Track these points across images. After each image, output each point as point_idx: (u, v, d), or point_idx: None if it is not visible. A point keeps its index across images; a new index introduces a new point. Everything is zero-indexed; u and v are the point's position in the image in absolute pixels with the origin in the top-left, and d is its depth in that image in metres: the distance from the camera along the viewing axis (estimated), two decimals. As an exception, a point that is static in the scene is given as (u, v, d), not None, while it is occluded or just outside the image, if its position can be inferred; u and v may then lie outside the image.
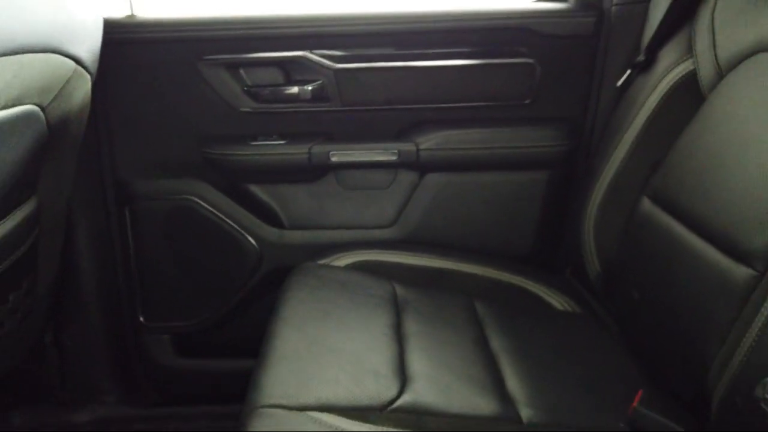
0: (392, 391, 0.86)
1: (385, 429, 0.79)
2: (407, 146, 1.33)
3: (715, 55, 1.04)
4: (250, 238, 1.37)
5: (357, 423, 0.79)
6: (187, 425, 1.45)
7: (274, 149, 1.34)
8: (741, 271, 0.80)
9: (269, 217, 1.39)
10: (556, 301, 1.22)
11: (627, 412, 0.84)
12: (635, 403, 0.84)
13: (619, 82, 1.24)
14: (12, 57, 0.85)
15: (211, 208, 1.36)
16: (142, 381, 1.48)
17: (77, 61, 1.02)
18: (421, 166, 1.36)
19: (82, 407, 1.44)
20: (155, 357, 1.45)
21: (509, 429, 0.83)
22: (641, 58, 1.20)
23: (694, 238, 0.91)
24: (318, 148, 1.33)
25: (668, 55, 1.15)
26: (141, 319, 1.44)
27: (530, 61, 1.30)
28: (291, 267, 1.22)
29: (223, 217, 1.37)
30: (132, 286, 1.42)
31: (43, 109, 0.97)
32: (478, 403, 0.87)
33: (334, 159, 1.34)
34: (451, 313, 1.11)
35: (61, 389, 1.44)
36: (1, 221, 1.01)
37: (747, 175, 0.85)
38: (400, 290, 1.15)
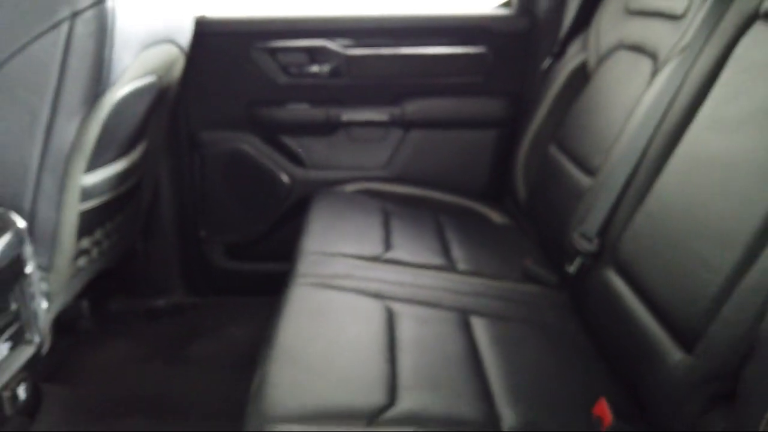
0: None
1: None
2: (396, 110, 1.85)
3: (597, 50, 1.56)
4: (283, 174, 1.89)
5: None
6: (232, 310, 1.96)
7: (301, 111, 1.85)
8: (585, 181, 1.32)
9: (297, 159, 1.90)
10: (496, 217, 1.75)
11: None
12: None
13: (543, 67, 1.76)
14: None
15: (255, 153, 1.88)
16: (201, 278, 2.00)
17: (180, 48, 1.54)
18: (405, 125, 1.87)
19: (159, 296, 1.96)
20: (212, 261, 1.97)
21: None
22: (556, 50, 1.72)
23: (573, 167, 1.43)
24: (332, 111, 1.84)
25: (573, 48, 1.67)
26: (202, 233, 1.96)
27: (484, 50, 1.82)
28: (312, 195, 1.73)
29: (264, 159, 1.88)
30: (197, 209, 1.94)
31: (158, 80, 1.48)
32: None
33: (343, 118, 1.85)
34: (425, 230, 1.60)
35: (145, 283, 1.96)
36: (128, 154, 1.52)
37: (611, 125, 1.33)
38: (388, 206, 1.68)
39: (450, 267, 1.39)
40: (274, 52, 1.79)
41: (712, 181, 0.91)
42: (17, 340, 1.06)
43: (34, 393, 1.42)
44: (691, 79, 1.07)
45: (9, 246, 1.03)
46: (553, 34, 1.76)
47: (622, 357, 1.01)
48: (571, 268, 1.19)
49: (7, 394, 1.02)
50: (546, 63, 1.75)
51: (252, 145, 1.87)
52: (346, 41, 1.79)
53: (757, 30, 0.97)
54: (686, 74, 1.09)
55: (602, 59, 1.52)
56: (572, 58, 1.65)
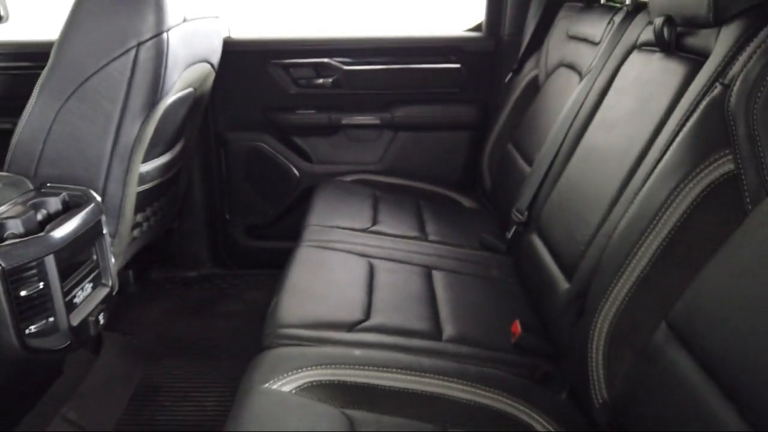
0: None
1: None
2: (387, 115, 2.20)
3: (546, 67, 1.90)
4: (293, 168, 2.25)
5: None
6: (251, 279, 2.31)
7: (309, 115, 2.21)
8: (527, 170, 1.66)
9: (305, 155, 2.26)
10: (467, 202, 2.09)
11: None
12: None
13: (506, 80, 2.11)
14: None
15: (271, 150, 2.24)
16: (226, 253, 2.36)
17: (212, 65, 1.90)
18: (394, 127, 2.23)
19: (192, 267, 2.33)
20: (235, 239, 2.33)
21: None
22: (515, 66, 2.06)
23: (521, 161, 1.78)
24: (334, 115, 2.20)
25: (528, 65, 2.01)
26: (227, 216, 2.32)
27: (458, 66, 2.16)
28: (317, 184, 2.09)
29: (278, 155, 2.24)
30: (223, 196, 2.30)
31: (194, 91, 1.84)
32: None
33: (343, 122, 2.21)
34: (406, 211, 1.94)
35: (179, 256, 2.33)
36: (171, 150, 1.88)
37: (548, 126, 1.70)
38: (377, 193, 2.03)
39: (423, 238, 1.73)
40: (286, 67, 2.15)
41: (595, 165, 1.26)
42: (97, 283, 1.42)
43: (97, 336, 1.79)
44: (593, 91, 1.42)
45: (92, 213, 1.39)
46: (515, 53, 2.11)
47: (535, 292, 1.36)
48: (509, 235, 1.54)
49: (92, 318, 1.37)
50: (507, 77, 2.10)
51: (268, 144, 2.23)
52: (344, 59, 2.14)
53: (634, 57, 1.32)
54: (591, 87, 1.43)
55: (549, 74, 1.86)
56: (527, 74, 2.00)
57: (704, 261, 0.84)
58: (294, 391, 0.98)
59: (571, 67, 1.71)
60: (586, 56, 1.61)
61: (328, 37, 2.16)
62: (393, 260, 1.53)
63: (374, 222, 1.78)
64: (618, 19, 1.49)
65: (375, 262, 1.50)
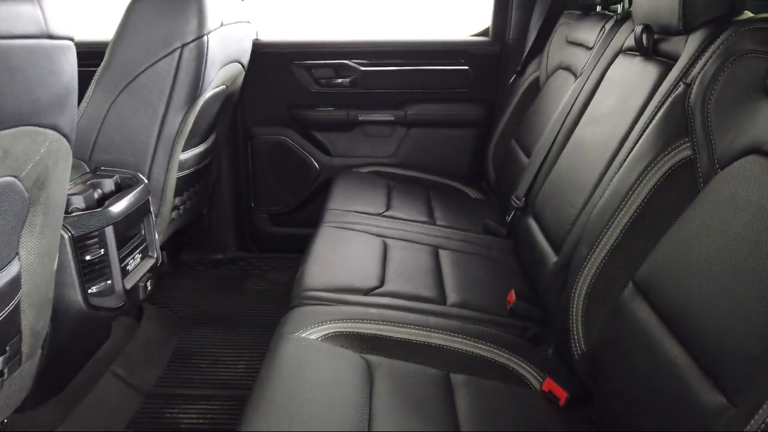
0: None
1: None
2: (400, 113, 2.37)
3: (546, 69, 2.06)
4: (313, 160, 2.43)
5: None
6: (273, 262, 2.49)
7: (328, 112, 2.39)
8: (526, 163, 1.82)
9: (324, 149, 2.44)
10: (473, 193, 2.26)
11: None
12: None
13: (510, 82, 2.27)
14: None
15: (293, 143, 2.42)
16: (250, 238, 2.54)
17: (242, 65, 2.08)
18: (407, 124, 2.40)
19: (220, 251, 2.52)
20: (259, 225, 2.52)
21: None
22: (519, 69, 2.23)
23: (522, 155, 1.95)
24: (352, 113, 2.37)
25: (530, 68, 2.18)
26: (252, 204, 2.50)
27: (467, 68, 2.33)
28: (335, 175, 2.26)
29: (300, 148, 2.42)
30: (248, 185, 2.48)
31: (226, 89, 2.03)
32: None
33: (360, 118, 2.38)
34: (416, 199, 2.11)
35: (208, 240, 2.51)
36: (205, 142, 2.06)
37: (546, 123, 1.87)
38: (391, 183, 2.20)
39: (431, 222, 1.90)
40: (309, 68, 2.33)
41: (582, 156, 1.42)
42: (145, 254, 1.60)
43: (138, 307, 1.98)
44: (584, 90, 1.58)
45: (142, 193, 1.57)
46: (518, 56, 2.27)
47: (529, 267, 1.52)
48: (508, 219, 1.71)
49: (141, 284, 1.55)
50: (512, 78, 2.26)
51: (291, 138, 2.41)
52: (362, 60, 2.32)
53: (619, 60, 1.48)
54: (582, 87, 1.59)
55: (548, 76, 2.03)
56: (529, 75, 2.16)
57: (664, 230, 1.01)
58: (319, 339, 1.16)
59: (568, 69, 1.87)
60: (581, 59, 1.77)
61: (347, 41, 2.34)
62: (404, 240, 1.71)
63: (387, 207, 1.95)
64: (608, 26, 1.65)
65: (388, 241, 1.67)
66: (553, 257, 1.36)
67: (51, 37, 0.95)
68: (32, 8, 0.91)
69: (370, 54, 2.32)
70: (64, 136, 1.05)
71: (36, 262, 1.10)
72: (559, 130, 1.61)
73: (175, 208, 1.93)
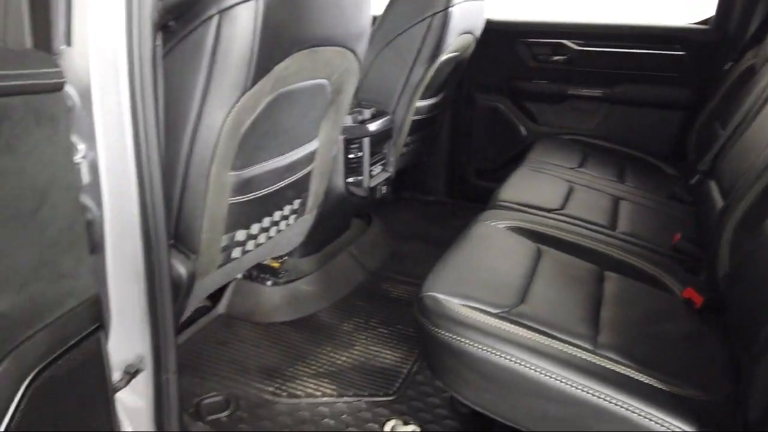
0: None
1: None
2: (607, 90, 2.58)
3: (764, 57, 2.11)
4: (521, 127, 2.75)
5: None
6: (475, 209, 2.88)
7: (541, 85, 2.69)
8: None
9: (532, 117, 2.75)
10: (668, 169, 2.38)
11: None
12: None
13: (725, 68, 2.33)
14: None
15: (507, 110, 2.77)
16: (458, 188, 2.96)
17: (475, 37, 2.49)
18: (612, 101, 2.58)
19: (431, 194, 2.99)
20: (466, 177, 2.93)
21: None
22: (736, 57, 2.28)
23: (722, 132, 2.05)
24: (562, 87, 2.65)
25: (748, 55, 2.23)
26: (464, 158, 2.92)
27: (683, 53, 2.44)
28: (538, 139, 2.56)
29: (512, 115, 2.76)
30: (464, 142, 2.89)
31: (461, 54, 2.45)
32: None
33: (569, 92, 2.64)
34: (607, 166, 2.32)
35: (422, 184, 3.00)
36: (436, 96, 2.52)
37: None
38: (587, 150, 2.43)
39: (619, 182, 2.11)
40: (530, 45, 2.66)
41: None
42: (385, 168, 2.12)
43: (367, 215, 2.52)
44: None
45: (388, 122, 2.10)
46: (737, 44, 2.32)
47: (701, 217, 1.69)
48: (692, 181, 1.86)
49: (379, 187, 2.09)
50: (727, 65, 2.32)
51: (505, 106, 2.77)
52: (578, 41, 2.58)
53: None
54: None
55: (764, 64, 2.08)
56: (745, 62, 2.21)
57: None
58: (504, 227, 1.52)
59: (784, 56, 1.93)
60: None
61: (566, 22, 2.61)
62: (589, 187, 1.96)
63: (581, 165, 2.21)
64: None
65: (575, 186, 1.95)
66: (720, 203, 1.53)
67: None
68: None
69: (586, 35, 2.56)
70: (357, 60, 1.55)
71: (326, 145, 1.63)
72: (761, 105, 1.72)
73: (406, 144, 2.43)
